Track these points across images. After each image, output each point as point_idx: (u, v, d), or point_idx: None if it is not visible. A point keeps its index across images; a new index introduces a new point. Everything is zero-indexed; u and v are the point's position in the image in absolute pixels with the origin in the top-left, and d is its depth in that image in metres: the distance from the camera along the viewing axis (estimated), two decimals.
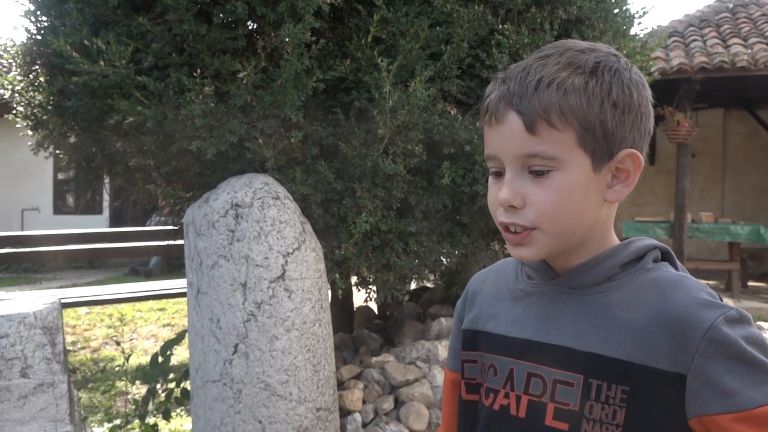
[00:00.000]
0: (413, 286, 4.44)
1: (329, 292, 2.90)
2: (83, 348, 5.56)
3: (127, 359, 3.51)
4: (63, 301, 4.77)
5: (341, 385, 2.78)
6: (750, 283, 8.27)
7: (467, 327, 0.98)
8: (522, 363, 0.85)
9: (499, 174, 0.83)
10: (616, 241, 0.86)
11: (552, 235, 0.80)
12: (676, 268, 0.84)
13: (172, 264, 10.53)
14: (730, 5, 8.91)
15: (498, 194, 0.81)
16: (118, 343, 4.49)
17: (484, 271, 1.04)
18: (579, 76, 0.78)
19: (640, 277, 0.81)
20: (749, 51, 7.08)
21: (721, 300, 0.77)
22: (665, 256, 0.85)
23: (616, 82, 0.79)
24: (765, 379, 0.71)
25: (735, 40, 7.44)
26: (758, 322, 4.49)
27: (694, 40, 7.68)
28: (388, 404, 2.72)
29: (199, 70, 2.29)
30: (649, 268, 0.82)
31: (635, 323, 0.77)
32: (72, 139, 2.86)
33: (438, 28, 2.55)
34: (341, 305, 3.83)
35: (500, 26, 2.65)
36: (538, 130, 0.77)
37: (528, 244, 0.81)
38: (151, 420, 3.10)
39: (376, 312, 3.90)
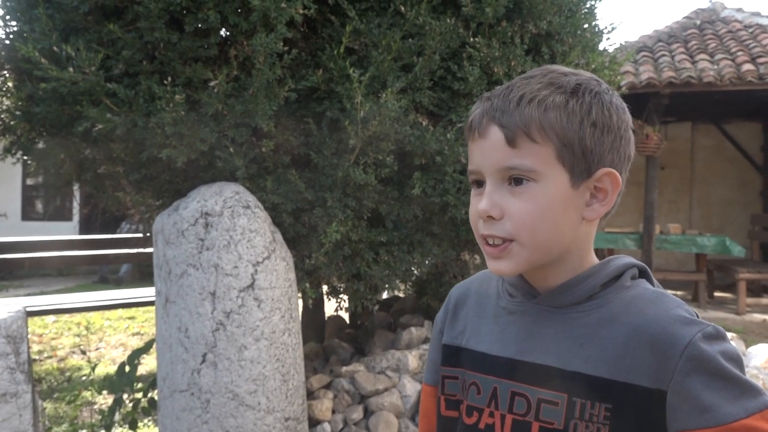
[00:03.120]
0: (385, 295, 4.45)
1: (300, 301, 2.90)
2: (50, 357, 5.46)
3: (93, 369, 3.46)
4: (30, 309, 4.69)
5: (311, 394, 2.78)
6: (716, 294, 8.42)
7: (448, 342, 0.98)
8: (505, 382, 0.86)
9: (480, 185, 0.84)
10: (595, 259, 0.87)
11: (530, 247, 0.81)
12: (653, 285, 0.86)
13: (143, 272, 10.39)
14: (698, 22, 9.12)
15: (478, 206, 0.83)
16: (83, 353, 4.42)
17: (464, 283, 1.03)
18: (560, 95, 0.80)
19: (620, 294, 0.83)
20: (715, 67, 7.24)
21: (698, 316, 0.79)
22: (642, 273, 0.87)
23: (596, 103, 0.81)
24: (741, 393, 0.73)
25: (702, 56, 7.61)
26: None
27: (663, 55, 7.84)
28: (357, 414, 2.72)
29: (170, 78, 2.28)
30: (627, 285, 0.84)
31: (616, 341, 0.79)
32: (40, 145, 2.82)
33: (410, 40, 2.57)
34: (312, 315, 3.82)
35: (471, 39, 2.68)
36: (518, 143, 0.79)
37: (506, 257, 0.82)
38: (117, 430, 3.06)
39: (348, 321, 3.90)
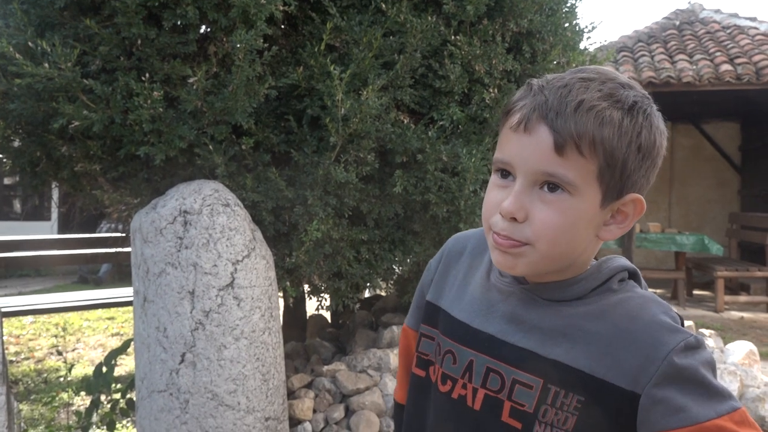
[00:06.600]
0: (367, 294, 4.44)
1: (281, 300, 2.88)
2: (27, 359, 5.38)
3: (69, 370, 3.41)
4: (6, 310, 4.62)
5: (292, 394, 2.76)
6: (695, 292, 8.51)
7: (432, 299, 0.99)
8: (482, 357, 0.87)
9: (506, 176, 0.82)
10: (591, 264, 0.88)
11: (543, 255, 0.80)
12: (641, 287, 0.87)
13: (123, 272, 10.27)
14: (677, 23, 9.21)
15: (501, 200, 0.81)
16: (60, 353, 4.36)
17: (462, 238, 1.03)
18: (618, 110, 0.77)
19: (608, 296, 0.84)
20: (694, 67, 7.32)
21: (682, 322, 0.81)
22: (632, 276, 0.88)
23: (647, 126, 0.79)
24: (711, 397, 0.75)
25: (681, 56, 7.69)
26: (701, 329, 4.63)
27: (643, 55, 7.91)
28: (338, 413, 2.71)
29: (147, 75, 2.25)
30: (615, 288, 0.84)
31: (600, 338, 0.80)
32: (16, 143, 2.77)
33: (391, 37, 2.56)
34: (293, 314, 3.80)
35: (453, 37, 2.68)
36: (566, 153, 0.76)
37: (515, 257, 0.81)
38: None
39: (329, 320, 3.88)
